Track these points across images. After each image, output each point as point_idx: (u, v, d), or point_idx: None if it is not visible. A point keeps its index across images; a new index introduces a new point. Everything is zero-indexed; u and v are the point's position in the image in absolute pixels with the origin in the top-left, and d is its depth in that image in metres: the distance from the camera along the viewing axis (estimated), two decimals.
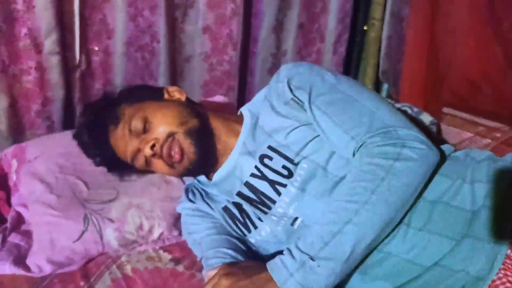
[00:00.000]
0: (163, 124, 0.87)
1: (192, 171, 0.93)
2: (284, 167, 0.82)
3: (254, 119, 0.91)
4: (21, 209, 0.99)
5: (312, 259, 0.69)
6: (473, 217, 0.74)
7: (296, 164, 0.82)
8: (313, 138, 0.82)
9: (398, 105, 1.44)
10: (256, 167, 0.85)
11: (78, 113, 1.37)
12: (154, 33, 1.39)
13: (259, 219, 0.85)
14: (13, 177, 1.05)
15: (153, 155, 0.87)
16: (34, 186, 0.98)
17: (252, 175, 0.85)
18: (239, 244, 0.87)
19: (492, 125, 1.28)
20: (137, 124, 0.88)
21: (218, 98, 1.39)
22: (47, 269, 0.88)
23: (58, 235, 0.92)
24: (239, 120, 0.94)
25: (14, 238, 0.93)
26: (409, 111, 1.43)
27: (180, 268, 0.93)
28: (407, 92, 1.65)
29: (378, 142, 0.73)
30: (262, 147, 0.85)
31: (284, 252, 0.73)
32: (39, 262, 0.88)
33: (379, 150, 0.73)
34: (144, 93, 0.97)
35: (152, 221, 0.98)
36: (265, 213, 0.84)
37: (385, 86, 1.86)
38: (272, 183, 0.83)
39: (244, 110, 0.95)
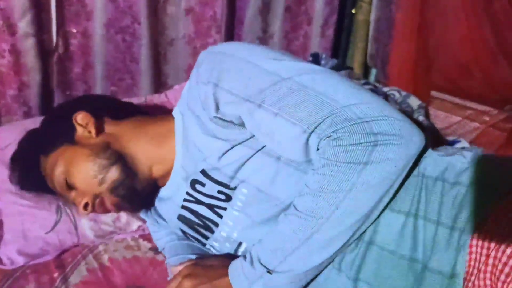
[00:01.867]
0: (84, 186, 0.78)
1: (137, 209, 0.90)
2: (220, 192, 0.74)
3: (184, 130, 0.78)
4: None
5: (270, 272, 0.66)
6: (422, 274, 0.64)
7: (233, 189, 0.73)
8: (250, 157, 0.70)
9: (386, 89, 1.41)
10: (187, 193, 0.77)
11: (56, 98, 1.33)
12: (135, 14, 1.33)
13: (202, 243, 0.81)
14: None
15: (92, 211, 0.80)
16: (5, 175, 0.93)
17: (186, 200, 0.78)
18: (201, 247, 0.83)
19: (480, 108, 1.26)
20: (60, 184, 0.80)
21: None
22: (19, 261, 0.84)
23: (31, 226, 0.88)
24: (173, 128, 0.80)
25: None
26: (397, 95, 1.41)
27: (160, 257, 0.89)
28: (395, 76, 1.62)
29: (345, 140, 0.62)
30: (196, 169, 0.75)
31: (246, 256, 0.70)
32: (11, 254, 0.84)
33: (346, 151, 0.62)
34: (54, 134, 0.83)
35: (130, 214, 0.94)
36: (207, 238, 0.79)
37: (374, 71, 1.83)
38: (210, 206, 0.76)
39: (176, 114, 0.81)
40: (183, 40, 1.45)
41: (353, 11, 1.73)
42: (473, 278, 0.61)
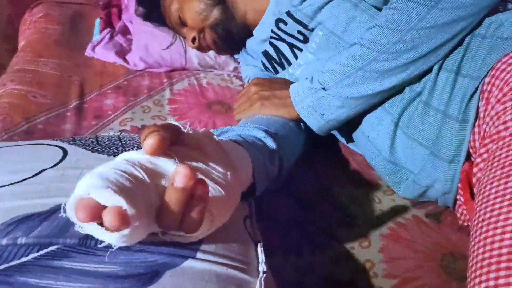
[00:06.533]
0: (191, 21, 1.00)
1: (231, 50, 1.08)
2: (299, 32, 0.86)
3: None
4: (128, 24, 1.25)
5: (324, 89, 0.76)
6: (442, 121, 0.71)
7: (311, 30, 0.84)
8: (330, 1, 0.81)
9: None
10: (272, 31, 0.91)
11: None
12: None
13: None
14: (125, 1, 1.31)
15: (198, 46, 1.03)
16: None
17: (271, 37, 0.92)
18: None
19: None
20: (175, 19, 1.03)
21: None
22: (140, 66, 1.13)
23: (151, 42, 1.15)
24: None
25: (119, 39, 1.19)
26: None
27: None
28: None
29: None
30: (282, 10, 0.87)
31: (308, 78, 0.81)
32: (135, 60, 1.13)
33: None
34: None
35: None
36: (277, 72, 0.95)
37: None
38: (291, 46, 0.89)
39: None
40: None
41: None
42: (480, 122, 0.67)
